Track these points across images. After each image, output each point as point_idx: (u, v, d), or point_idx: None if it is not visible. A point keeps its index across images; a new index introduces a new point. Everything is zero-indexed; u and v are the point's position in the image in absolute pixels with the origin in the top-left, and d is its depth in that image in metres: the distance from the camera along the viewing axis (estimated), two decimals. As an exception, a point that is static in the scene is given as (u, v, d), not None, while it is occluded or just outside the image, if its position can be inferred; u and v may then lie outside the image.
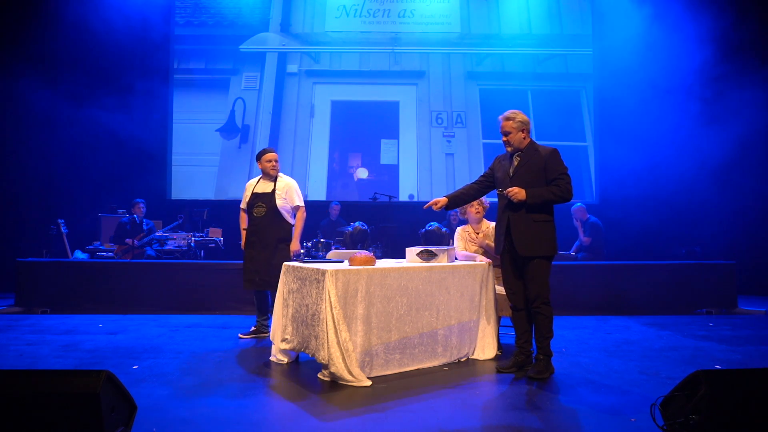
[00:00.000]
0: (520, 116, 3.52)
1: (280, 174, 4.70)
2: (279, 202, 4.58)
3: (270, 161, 4.61)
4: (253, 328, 4.74)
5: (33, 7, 8.32)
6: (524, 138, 3.53)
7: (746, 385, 2.22)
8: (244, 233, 4.69)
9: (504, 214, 3.55)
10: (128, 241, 7.09)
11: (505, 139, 3.54)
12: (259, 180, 4.70)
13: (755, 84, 8.02)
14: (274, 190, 4.59)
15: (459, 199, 3.83)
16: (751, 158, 8.24)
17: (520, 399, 3.05)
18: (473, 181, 3.85)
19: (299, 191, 4.73)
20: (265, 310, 4.72)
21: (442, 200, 3.79)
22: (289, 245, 4.62)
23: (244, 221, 4.75)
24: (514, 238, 3.47)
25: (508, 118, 3.52)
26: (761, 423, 2.19)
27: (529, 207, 3.42)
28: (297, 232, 4.67)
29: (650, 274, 6.24)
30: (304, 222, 4.74)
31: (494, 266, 4.12)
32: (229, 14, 9.17)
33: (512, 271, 3.58)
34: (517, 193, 3.38)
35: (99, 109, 8.25)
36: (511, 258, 3.56)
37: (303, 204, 4.72)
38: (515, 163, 3.54)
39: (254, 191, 4.63)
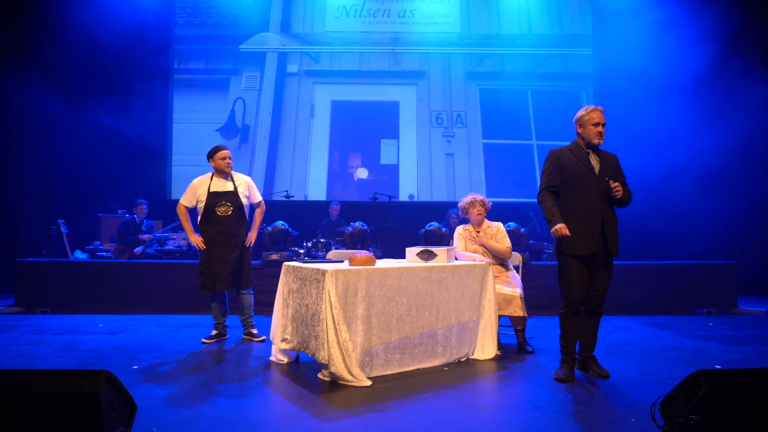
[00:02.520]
0: None
1: (233, 171, 4.64)
2: (244, 201, 4.57)
3: (224, 158, 4.52)
4: (214, 332, 4.61)
5: (33, 9, 8.32)
6: None
7: (746, 385, 2.22)
8: (193, 233, 4.57)
9: (596, 211, 3.35)
10: (144, 236, 7.15)
11: (602, 131, 3.42)
12: (212, 178, 4.56)
13: (756, 84, 8.01)
14: (236, 189, 4.55)
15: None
16: (751, 158, 8.24)
17: (520, 399, 3.05)
18: (550, 191, 3.47)
19: (257, 187, 4.81)
20: (225, 312, 4.67)
21: (564, 225, 3.34)
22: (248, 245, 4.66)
23: (188, 219, 4.63)
24: (609, 237, 3.37)
25: (603, 111, 3.46)
26: (761, 423, 2.19)
27: (615, 207, 3.42)
28: (257, 224, 4.71)
29: (650, 274, 6.24)
30: (263, 216, 4.84)
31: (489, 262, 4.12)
32: (229, 14, 9.17)
33: (586, 273, 3.41)
34: (622, 189, 3.33)
35: (99, 110, 8.26)
36: (592, 259, 3.40)
37: (262, 199, 4.82)
38: (595, 159, 3.45)
39: (212, 190, 4.50)
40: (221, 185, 4.53)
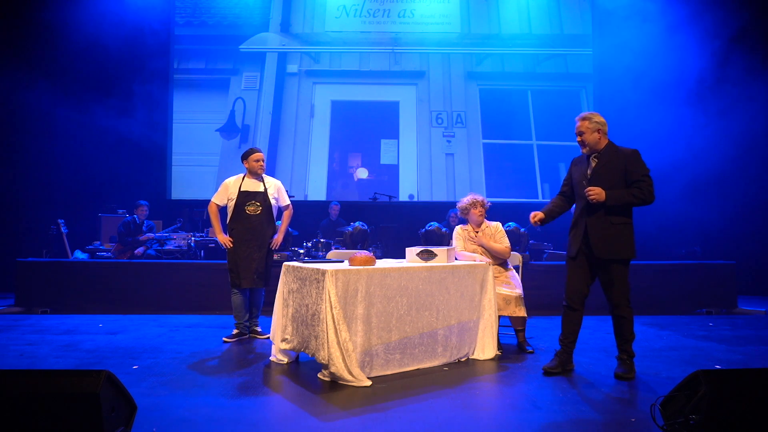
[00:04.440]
0: (597, 117, 3.46)
1: (264, 174, 4.77)
2: (272, 202, 4.70)
3: (258, 161, 4.65)
4: (235, 331, 4.65)
5: (34, 11, 8.30)
6: (600, 139, 3.46)
7: (746, 385, 2.22)
8: (221, 231, 4.66)
9: (581, 217, 3.48)
10: (143, 237, 7.14)
11: (579, 139, 3.48)
12: (243, 178, 4.69)
13: (757, 84, 8.01)
14: (266, 190, 4.67)
15: (553, 213, 3.72)
16: (751, 158, 8.24)
17: (519, 399, 3.05)
18: (557, 193, 3.77)
19: (286, 191, 4.94)
20: (247, 310, 4.73)
21: (540, 214, 3.67)
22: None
23: (218, 218, 4.73)
24: (592, 241, 3.40)
25: (584, 119, 3.46)
26: (761, 423, 2.19)
27: (608, 209, 3.38)
28: (284, 227, 4.82)
29: (650, 274, 6.23)
30: (290, 219, 4.92)
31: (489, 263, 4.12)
32: (229, 14, 9.17)
33: (582, 273, 3.51)
34: (598, 194, 3.31)
35: (99, 110, 8.26)
36: (587, 261, 3.48)
37: (291, 203, 4.94)
38: (593, 164, 3.48)
39: (243, 189, 4.62)
40: (252, 185, 4.66)
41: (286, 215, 4.87)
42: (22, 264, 6.12)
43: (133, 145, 8.57)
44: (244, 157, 4.69)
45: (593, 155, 3.49)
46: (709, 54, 8.08)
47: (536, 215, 3.68)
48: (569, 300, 3.56)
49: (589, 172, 3.47)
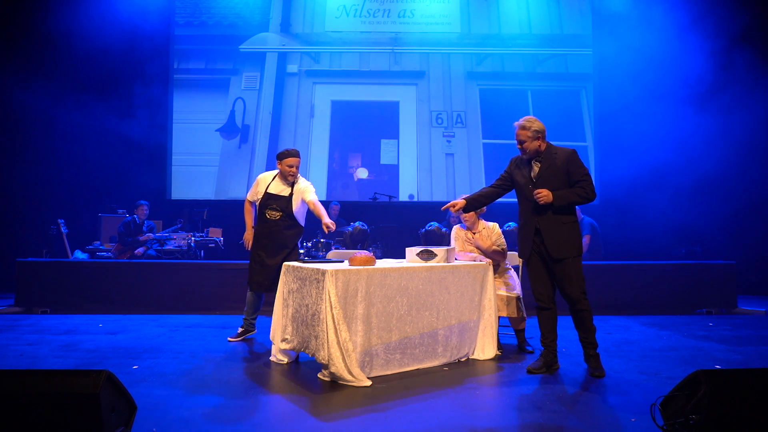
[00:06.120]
0: (536, 125, 3.51)
1: (299, 178, 4.46)
2: (295, 207, 4.41)
3: (291, 166, 4.34)
4: (240, 329, 4.61)
5: (33, 12, 8.31)
6: (540, 145, 3.53)
7: (746, 385, 2.22)
8: (250, 229, 4.54)
9: (531, 218, 3.54)
10: (142, 237, 7.13)
11: (519, 147, 3.56)
12: (274, 178, 4.45)
13: (756, 84, 8.01)
14: (291, 194, 4.41)
15: (477, 202, 3.83)
16: (752, 158, 8.24)
17: (519, 399, 3.05)
18: (490, 184, 3.86)
19: (313, 190, 4.49)
20: (256, 309, 4.64)
21: (460, 202, 3.77)
22: (298, 249, 4.54)
23: (250, 215, 4.59)
24: (547, 241, 3.47)
25: (523, 128, 3.51)
26: (761, 423, 2.19)
27: (556, 209, 3.45)
28: (321, 213, 4.21)
29: (650, 274, 6.23)
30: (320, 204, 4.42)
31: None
32: (229, 14, 9.17)
33: (541, 272, 3.57)
34: (546, 195, 3.39)
35: (99, 110, 8.25)
36: (541, 260, 3.55)
37: (316, 197, 4.45)
38: (536, 168, 3.55)
39: (268, 191, 4.42)
40: (279, 188, 4.43)
41: (312, 205, 4.32)
42: (22, 264, 6.12)
43: (134, 145, 8.57)
44: (279, 157, 4.40)
45: (534, 159, 3.56)
46: (709, 54, 8.08)
47: (457, 204, 3.75)
48: (539, 300, 3.61)
49: (533, 176, 3.54)
